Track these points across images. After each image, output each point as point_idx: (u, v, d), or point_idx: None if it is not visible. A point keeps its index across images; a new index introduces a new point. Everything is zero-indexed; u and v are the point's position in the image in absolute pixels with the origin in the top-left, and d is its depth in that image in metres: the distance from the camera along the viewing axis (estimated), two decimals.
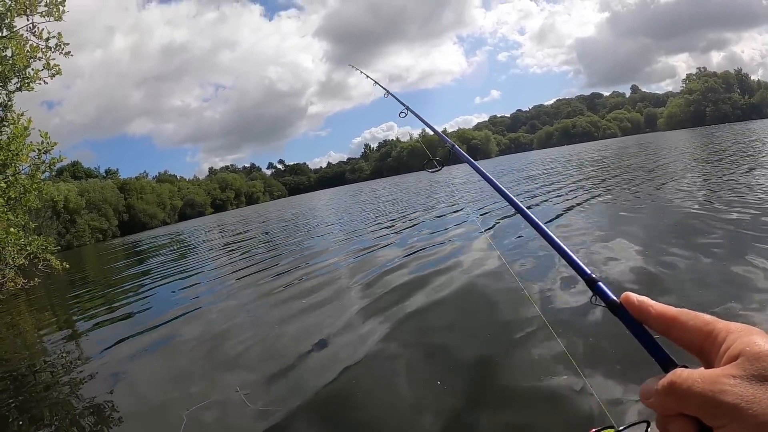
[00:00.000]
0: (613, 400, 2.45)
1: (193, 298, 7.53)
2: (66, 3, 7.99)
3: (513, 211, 0.91)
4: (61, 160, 8.85)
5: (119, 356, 5.02)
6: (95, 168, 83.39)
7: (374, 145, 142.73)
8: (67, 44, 8.54)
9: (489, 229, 8.45)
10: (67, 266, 9.97)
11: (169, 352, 4.96)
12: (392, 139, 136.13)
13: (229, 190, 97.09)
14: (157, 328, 5.97)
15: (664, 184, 10.30)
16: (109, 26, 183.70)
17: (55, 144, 7.79)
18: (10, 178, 6.99)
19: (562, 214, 8.49)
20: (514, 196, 0.91)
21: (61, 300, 10.29)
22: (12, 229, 8.19)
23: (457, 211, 11.96)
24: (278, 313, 5.45)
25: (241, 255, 12.17)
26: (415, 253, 7.24)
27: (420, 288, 5.21)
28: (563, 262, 0.69)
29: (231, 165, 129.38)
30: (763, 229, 5.16)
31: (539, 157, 49.71)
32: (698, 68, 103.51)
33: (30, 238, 8.68)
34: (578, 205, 9.21)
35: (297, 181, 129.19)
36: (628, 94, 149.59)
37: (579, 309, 3.72)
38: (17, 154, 7.22)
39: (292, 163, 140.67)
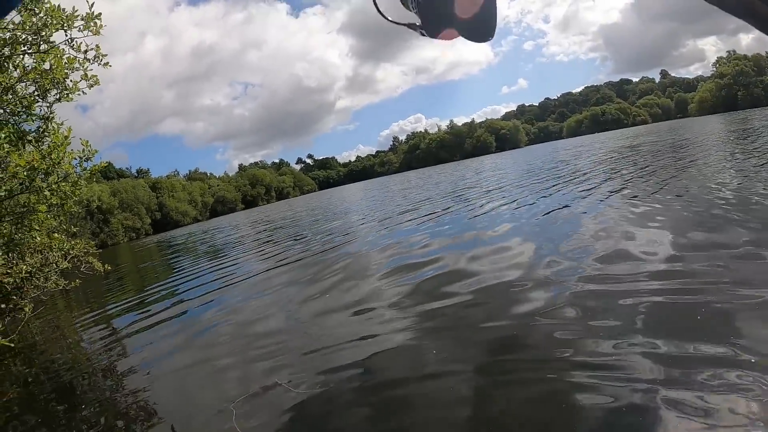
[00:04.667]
0: None
1: (226, 293, 7.81)
2: (102, 17, 8.26)
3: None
4: (103, 166, 9.19)
5: (157, 353, 5.25)
6: (127, 168, 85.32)
7: (402, 137, 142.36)
8: (105, 55, 8.82)
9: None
10: (109, 268, 10.40)
11: (205, 347, 5.12)
12: (420, 131, 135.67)
13: (260, 186, 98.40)
14: (192, 324, 6.26)
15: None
16: (141, 31, 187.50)
17: (96, 152, 8.10)
18: (53, 186, 7.29)
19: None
20: None
21: (100, 299, 10.78)
22: (55, 234, 8.62)
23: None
24: (309, 304, 5.81)
25: (273, 249, 12.43)
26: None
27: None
28: None
29: (260, 161, 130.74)
30: None
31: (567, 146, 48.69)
32: (728, 51, 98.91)
33: (73, 242, 9.11)
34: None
35: (326, 175, 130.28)
36: (657, 79, 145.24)
37: None
38: (58, 163, 7.52)
39: (320, 158, 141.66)
